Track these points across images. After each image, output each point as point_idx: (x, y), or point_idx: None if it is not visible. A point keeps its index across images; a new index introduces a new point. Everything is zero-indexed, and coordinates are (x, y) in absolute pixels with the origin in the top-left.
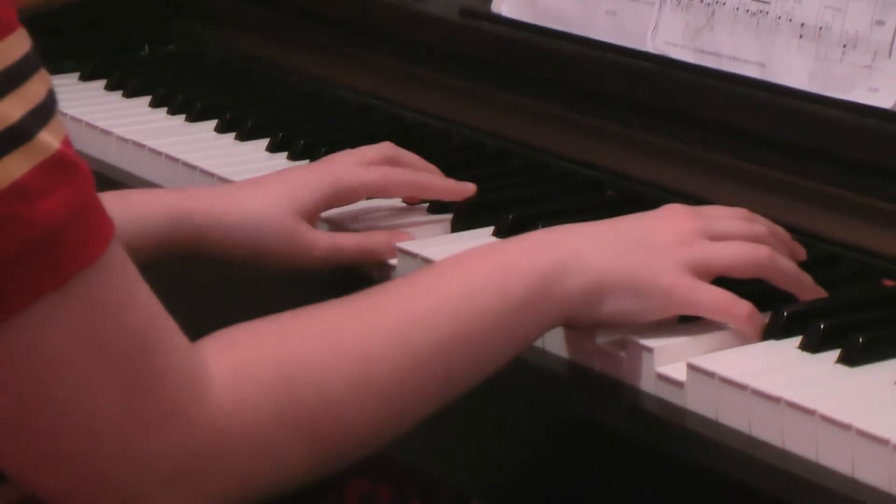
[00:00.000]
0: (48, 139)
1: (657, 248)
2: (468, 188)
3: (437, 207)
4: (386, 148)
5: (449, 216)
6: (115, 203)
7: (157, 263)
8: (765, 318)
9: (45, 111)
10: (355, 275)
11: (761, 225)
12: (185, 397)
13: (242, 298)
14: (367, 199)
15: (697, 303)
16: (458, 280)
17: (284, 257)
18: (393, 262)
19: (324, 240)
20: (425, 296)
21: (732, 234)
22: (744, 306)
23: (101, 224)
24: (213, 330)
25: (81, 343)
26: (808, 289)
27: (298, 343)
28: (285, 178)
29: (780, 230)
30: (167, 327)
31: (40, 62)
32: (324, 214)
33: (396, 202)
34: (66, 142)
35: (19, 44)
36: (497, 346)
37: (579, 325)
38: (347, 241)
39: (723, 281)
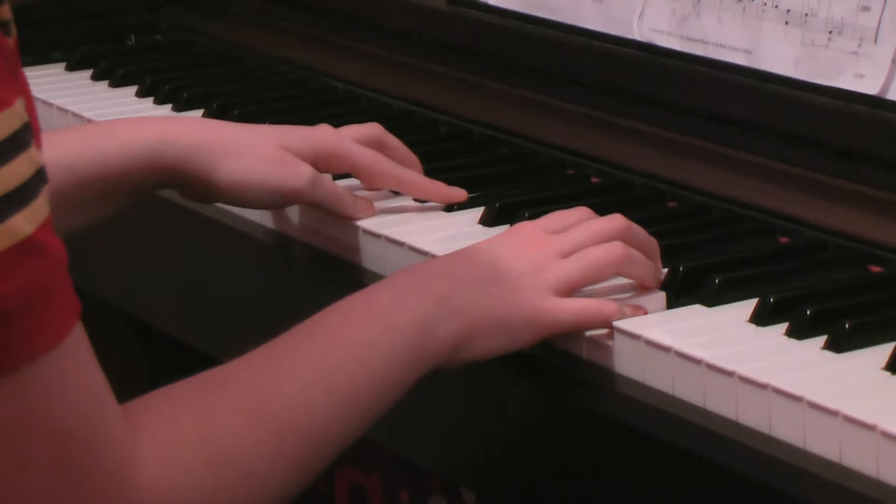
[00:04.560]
0: (20, 224)
1: (515, 278)
2: (457, 194)
3: None
4: (374, 129)
5: None
6: (102, 134)
7: (144, 195)
8: (629, 307)
9: (25, 194)
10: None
11: (605, 221)
12: (119, 485)
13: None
14: (346, 175)
15: (564, 322)
16: (348, 338)
17: (268, 183)
18: (363, 224)
19: (307, 171)
20: (321, 358)
21: (583, 241)
22: (609, 306)
23: (61, 310)
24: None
25: (21, 421)
26: (656, 274)
27: (217, 421)
28: (275, 125)
29: (619, 219)
30: (109, 414)
31: (29, 139)
32: None
33: None
34: (45, 225)
35: (4, 124)
36: (385, 398)
37: (454, 366)
38: (327, 181)
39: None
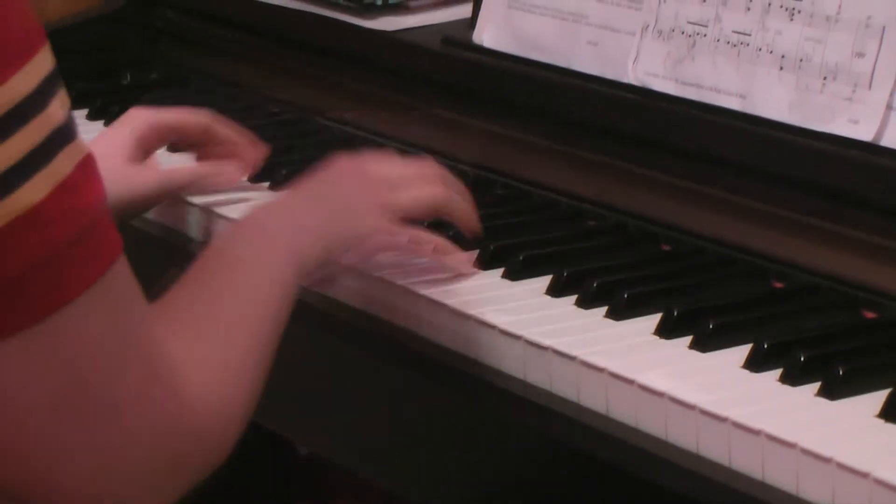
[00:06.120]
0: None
1: (357, 205)
2: (253, 155)
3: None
4: (204, 112)
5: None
6: None
7: None
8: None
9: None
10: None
11: (421, 164)
12: (179, 384)
13: None
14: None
15: (398, 242)
16: (254, 264)
17: (125, 197)
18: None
19: (155, 174)
20: (246, 287)
21: (406, 178)
22: (440, 241)
23: (114, 228)
24: None
25: (110, 330)
26: (474, 219)
27: (221, 329)
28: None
29: (433, 164)
30: (153, 321)
31: (60, 82)
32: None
33: None
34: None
35: (41, 65)
36: (286, 313)
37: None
38: (176, 170)
39: None
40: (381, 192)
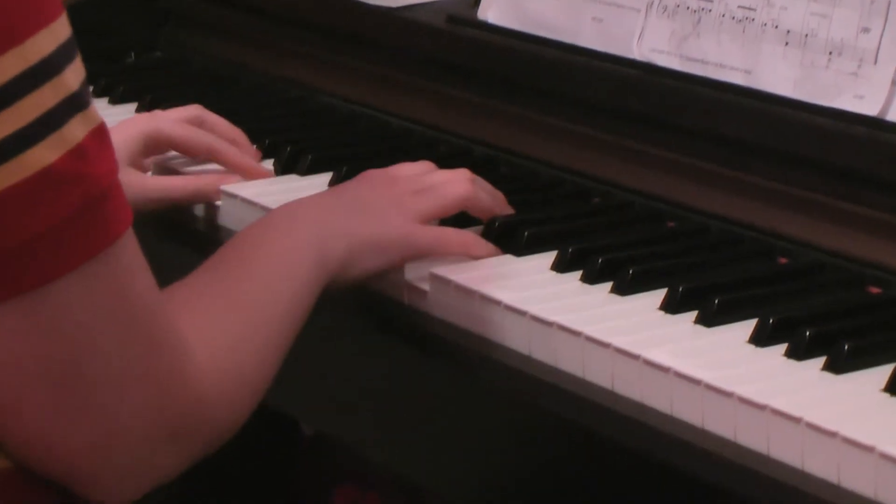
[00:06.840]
0: (76, 129)
1: (380, 209)
2: (259, 172)
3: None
4: (193, 108)
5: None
6: None
7: None
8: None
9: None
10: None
11: (451, 171)
12: (182, 359)
13: None
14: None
15: (427, 244)
16: (272, 262)
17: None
18: (219, 203)
19: (154, 184)
20: (261, 279)
21: (433, 181)
22: (466, 235)
23: (125, 202)
24: None
25: (113, 302)
26: (501, 207)
27: (235, 313)
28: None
29: (465, 170)
30: (161, 296)
31: (76, 50)
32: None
33: None
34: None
35: (57, 32)
36: (303, 304)
37: (341, 285)
38: (176, 184)
39: None
40: (407, 196)
